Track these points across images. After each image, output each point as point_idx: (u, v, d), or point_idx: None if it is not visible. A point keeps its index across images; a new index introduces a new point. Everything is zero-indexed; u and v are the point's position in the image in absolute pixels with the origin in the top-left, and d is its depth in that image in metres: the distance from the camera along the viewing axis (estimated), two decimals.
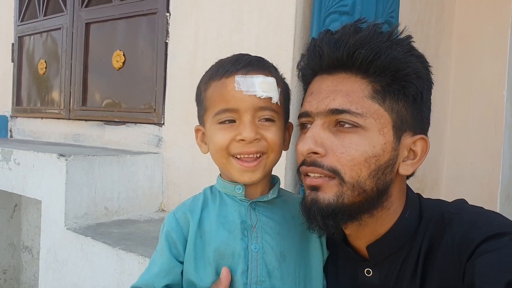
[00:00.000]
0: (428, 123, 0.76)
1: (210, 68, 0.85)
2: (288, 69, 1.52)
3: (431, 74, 0.74)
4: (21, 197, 2.61)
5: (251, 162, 0.78)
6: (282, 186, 1.51)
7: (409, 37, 0.72)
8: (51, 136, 2.57)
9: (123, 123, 2.13)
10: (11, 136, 2.88)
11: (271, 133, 0.77)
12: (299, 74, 0.83)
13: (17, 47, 2.85)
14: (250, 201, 0.82)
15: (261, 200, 0.83)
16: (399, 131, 0.71)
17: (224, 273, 0.77)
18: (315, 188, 0.72)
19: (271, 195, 0.84)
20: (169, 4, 1.93)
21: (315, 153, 0.71)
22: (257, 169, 0.78)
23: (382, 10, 1.43)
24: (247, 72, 0.77)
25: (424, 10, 2.18)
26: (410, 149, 0.73)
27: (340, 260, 0.83)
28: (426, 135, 0.74)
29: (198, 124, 0.88)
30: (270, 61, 1.55)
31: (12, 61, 2.88)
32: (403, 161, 0.72)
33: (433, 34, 2.37)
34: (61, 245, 1.62)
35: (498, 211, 2.33)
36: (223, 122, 0.78)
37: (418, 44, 2.29)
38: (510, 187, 2.48)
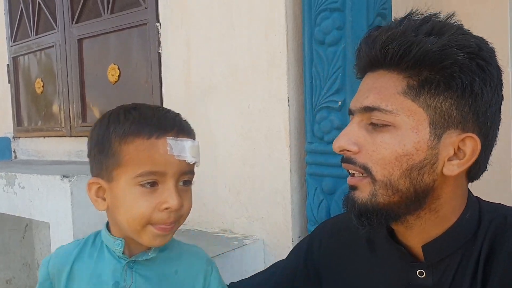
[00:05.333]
0: (489, 119, 0.69)
1: (124, 118, 0.76)
2: (283, 70, 1.50)
3: (490, 65, 0.67)
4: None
5: (167, 226, 0.75)
6: (287, 189, 1.51)
7: (457, 27, 0.67)
8: (55, 154, 2.58)
9: None
10: (15, 157, 2.88)
11: (188, 200, 0.76)
12: (356, 74, 0.79)
13: (12, 68, 2.85)
14: (128, 260, 0.77)
15: (139, 258, 0.78)
16: (439, 128, 0.67)
17: None
18: (353, 188, 0.72)
19: (152, 253, 0.79)
20: (158, 14, 1.91)
21: (348, 150, 0.71)
22: (170, 233, 0.76)
23: (373, 3, 1.40)
24: (177, 135, 0.75)
25: None
26: (459, 147, 0.68)
27: (382, 259, 0.80)
28: (484, 133, 0.69)
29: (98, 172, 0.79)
30: (265, 63, 1.55)
31: (9, 82, 2.88)
32: (448, 160, 0.68)
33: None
34: None
35: (511, 191, 2.31)
36: (143, 185, 0.73)
37: None
38: None
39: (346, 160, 0.72)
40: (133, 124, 0.74)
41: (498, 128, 0.73)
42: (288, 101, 1.49)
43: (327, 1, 1.39)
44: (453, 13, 0.70)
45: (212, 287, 0.85)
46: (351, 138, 0.70)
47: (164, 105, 1.91)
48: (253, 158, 1.59)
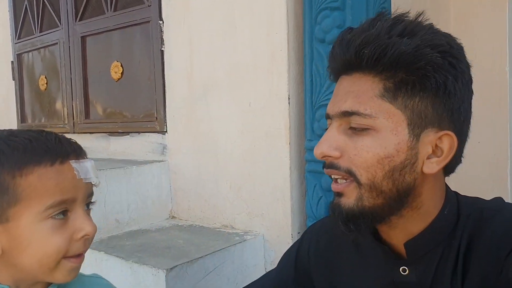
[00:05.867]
0: (462, 115, 0.70)
1: (7, 147, 0.66)
2: (284, 68, 1.52)
3: (460, 62, 0.68)
4: None
5: (77, 257, 0.69)
6: (287, 186, 1.53)
7: (428, 27, 0.68)
8: None
9: (127, 133, 2.15)
10: None
11: (93, 225, 0.70)
12: (330, 75, 0.78)
13: (16, 65, 2.87)
14: None
15: None
16: (417, 128, 0.68)
17: None
18: (339, 194, 0.73)
19: None
20: (161, 12, 1.93)
21: (329, 156, 0.71)
22: (80, 265, 0.71)
23: (373, 2, 1.42)
24: (78, 157, 0.70)
25: None
26: (436, 145, 0.69)
27: (367, 258, 0.82)
28: (459, 129, 0.70)
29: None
30: (266, 61, 1.57)
31: (13, 79, 2.90)
32: (427, 158, 0.69)
33: (429, 15, 2.34)
34: None
35: (508, 189, 2.32)
36: (54, 217, 0.66)
37: None
38: None
39: (329, 165, 0.72)
40: (26, 152, 0.66)
41: (470, 122, 0.74)
42: (289, 99, 1.51)
43: (328, 0, 1.41)
44: (423, 12, 0.71)
45: None
46: (332, 143, 0.70)
47: (167, 103, 1.93)
48: (253, 155, 1.61)
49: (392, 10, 1.51)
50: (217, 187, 1.75)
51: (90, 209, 0.73)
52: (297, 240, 1.00)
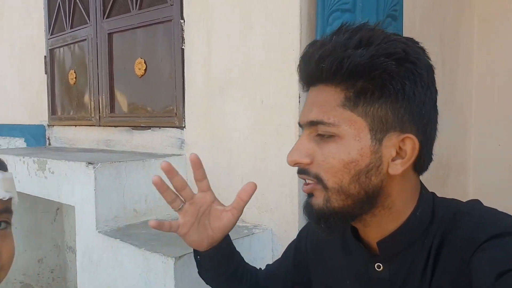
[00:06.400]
0: (425, 117, 0.73)
1: None
2: (295, 68, 1.55)
3: (418, 66, 0.70)
4: None
5: None
6: (295, 183, 1.56)
7: (383, 36, 0.70)
8: (85, 142, 2.72)
9: (149, 127, 2.24)
10: (49, 144, 3.05)
11: (7, 246, 0.63)
12: (302, 86, 0.82)
13: (49, 60, 3.01)
14: None
15: None
16: (379, 133, 0.71)
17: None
18: (309, 195, 0.77)
19: None
20: (183, 11, 2.00)
21: (301, 163, 0.75)
22: None
23: (384, 4, 1.44)
24: None
25: None
26: (400, 147, 0.72)
27: (351, 255, 0.86)
28: (422, 130, 0.73)
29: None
30: (278, 61, 1.61)
31: (46, 73, 3.04)
32: (392, 160, 0.72)
33: (451, 16, 2.33)
34: (94, 247, 1.74)
35: None
36: None
37: (435, 29, 2.28)
38: None
39: (300, 171, 0.76)
40: None
41: (436, 121, 0.76)
42: (299, 97, 1.54)
43: (339, 2, 1.44)
44: (380, 22, 0.74)
45: None
46: (302, 151, 0.74)
47: (186, 99, 2.00)
48: (264, 151, 1.66)
49: (404, 12, 1.54)
50: (229, 181, 1.81)
51: (5, 231, 0.64)
52: (294, 240, 1.05)
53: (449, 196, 0.81)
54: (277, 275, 1.04)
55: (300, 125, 0.78)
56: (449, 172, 2.33)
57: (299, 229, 1.56)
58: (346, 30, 0.72)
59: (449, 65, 2.30)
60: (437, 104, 0.75)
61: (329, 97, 0.72)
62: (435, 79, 0.74)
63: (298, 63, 0.77)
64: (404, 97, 0.70)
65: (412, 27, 1.96)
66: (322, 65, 0.70)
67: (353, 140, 0.71)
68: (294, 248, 1.02)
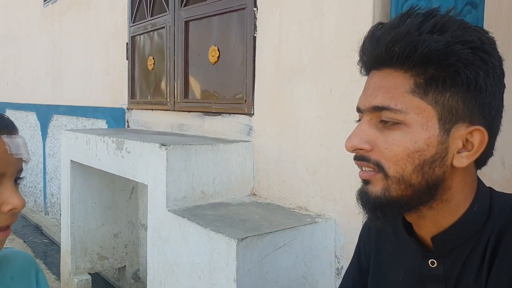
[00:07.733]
0: (494, 110, 0.70)
1: None
2: (358, 49, 1.52)
3: (492, 56, 0.68)
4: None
5: (4, 230, 0.72)
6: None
7: (459, 23, 0.68)
8: (160, 126, 2.85)
9: (219, 113, 2.30)
10: (128, 126, 3.23)
11: (21, 199, 0.72)
12: (360, 69, 0.81)
13: (130, 46, 3.18)
14: None
15: None
16: (447, 123, 0.69)
17: None
18: (366, 182, 0.75)
19: None
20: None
21: (360, 149, 0.73)
22: (6, 238, 0.73)
23: None
24: (10, 133, 0.71)
25: None
26: (467, 140, 0.70)
27: (403, 251, 0.84)
28: (490, 123, 0.70)
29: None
30: (349, 48, 1.58)
31: (127, 59, 3.22)
32: (458, 152, 0.70)
33: None
34: (164, 225, 1.83)
35: None
36: None
37: None
38: None
39: (359, 158, 0.74)
40: None
41: (502, 116, 0.73)
42: None
43: None
44: (453, 7, 0.70)
45: (41, 284, 0.89)
46: (363, 137, 0.72)
47: (256, 87, 2.03)
48: (330, 140, 1.65)
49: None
50: (295, 169, 1.82)
51: (18, 184, 0.75)
52: (355, 247, 1.03)
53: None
54: None
55: (359, 109, 0.76)
56: None
57: (363, 221, 1.55)
58: (418, 14, 0.69)
59: None
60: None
61: (397, 83, 0.70)
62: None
63: (361, 44, 0.75)
64: (476, 87, 0.68)
65: (497, 16, 1.83)
66: (394, 48, 0.68)
67: (421, 129, 0.69)
68: (357, 253, 1.00)
